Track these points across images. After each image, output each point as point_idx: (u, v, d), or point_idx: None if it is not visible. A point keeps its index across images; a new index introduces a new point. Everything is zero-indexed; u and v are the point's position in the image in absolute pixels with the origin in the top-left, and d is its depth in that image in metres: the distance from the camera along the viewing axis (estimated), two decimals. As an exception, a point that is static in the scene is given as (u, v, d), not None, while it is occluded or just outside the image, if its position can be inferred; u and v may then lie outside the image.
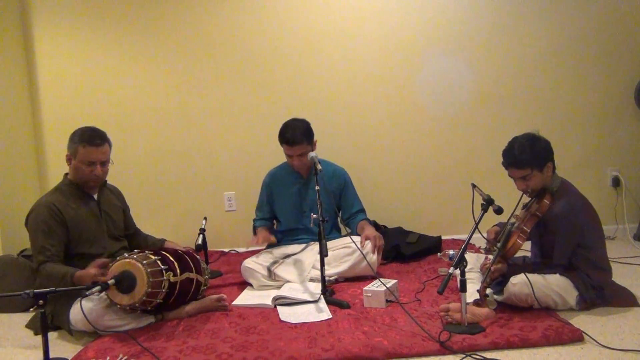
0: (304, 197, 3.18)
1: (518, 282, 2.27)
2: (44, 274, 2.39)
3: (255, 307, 2.61)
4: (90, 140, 2.50)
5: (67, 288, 2.25)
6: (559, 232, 2.35)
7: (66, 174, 2.64)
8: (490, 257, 2.44)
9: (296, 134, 3.02)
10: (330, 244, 2.97)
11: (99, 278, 2.27)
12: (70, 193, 2.57)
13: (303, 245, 3.16)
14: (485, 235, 2.47)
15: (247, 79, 3.85)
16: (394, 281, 2.63)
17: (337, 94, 3.85)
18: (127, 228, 2.87)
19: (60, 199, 2.53)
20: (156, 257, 2.39)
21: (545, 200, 2.39)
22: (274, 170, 3.32)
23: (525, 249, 2.77)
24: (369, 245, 2.92)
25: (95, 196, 2.66)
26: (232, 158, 3.90)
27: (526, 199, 2.53)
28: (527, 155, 2.37)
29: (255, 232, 3.24)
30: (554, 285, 2.30)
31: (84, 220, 2.55)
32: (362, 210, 3.25)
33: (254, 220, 3.31)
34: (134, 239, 2.88)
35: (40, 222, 2.44)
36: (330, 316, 2.41)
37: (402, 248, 3.40)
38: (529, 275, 2.28)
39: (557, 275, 2.33)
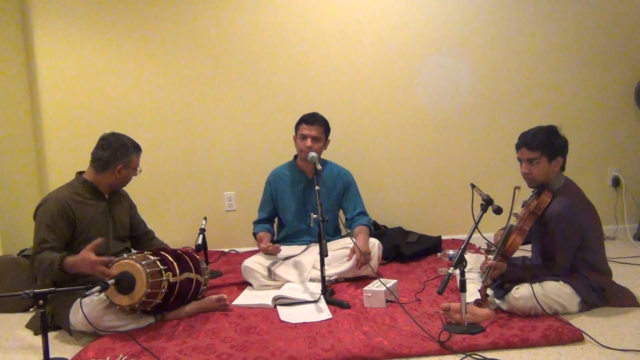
0: (308, 196, 3.17)
1: (521, 297, 2.26)
2: (37, 262, 2.39)
3: (255, 307, 2.61)
4: (139, 149, 2.72)
5: (67, 288, 2.25)
6: (558, 234, 2.33)
7: (78, 173, 2.66)
8: (491, 256, 2.44)
9: (316, 116, 3.14)
10: (330, 245, 2.97)
11: (98, 269, 2.26)
12: (83, 191, 2.59)
13: (304, 247, 3.15)
14: (485, 236, 2.45)
15: (247, 79, 3.85)
16: (394, 281, 2.63)
17: (338, 94, 3.85)
18: (135, 229, 2.86)
19: (73, 195, 2.54)
20: (155, 258, 2.39)
21: (544, 198, 2.38)
22: (278, 169, 3.31)
23: (527, 249, 2.77)
24: (371, 249, 2.92)
25: (107, 197, 2.68)
26: (232, 158, 3.90)
27: (523, 196, 2.52)
28: (541, 139, 2.38)
29: (255, 238, 3.23)
30: (554, 295, 2.28)
31: (92, 218, 2.57)
32: (364, 213, 3.22)
33: (254, 223, 3.27)
34: (143, 242, 2.86)
35: (47, 215, 2.45)
36: (330, 316, 2.41)
37: (402, 248, 3.41)
38: (530, 288, 2.25)
39: (558, 283, 2.31)
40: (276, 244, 3.05)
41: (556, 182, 2.43)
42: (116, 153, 2.59)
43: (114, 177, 2.61)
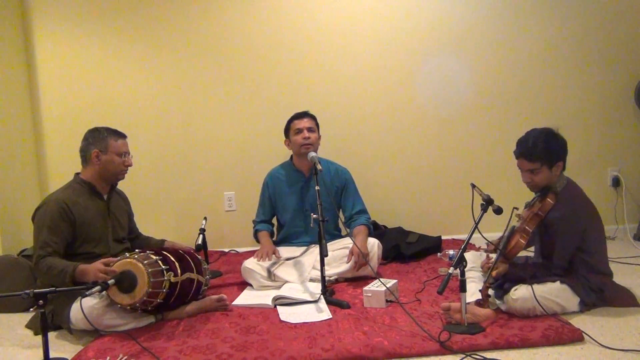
0: (306, 195, 3.18)
1: (519, 298, 2.25)
2: (43, 267, 2.38)
3: (255, 307, 2.61)
4: (118, 134, 2.67)
5: (67, 288, 2.25)
6: (558, 235, 2.33)
7: (77, 174, 2.66)
8: (492, 255, 2.44)
9: (304, 112, 3.22)
10: (330, 245, 2.97)
11: (101, 276, 2.27)
12: (82, 191, 2.60)
13: (303, 249, 3.14)
14: (486, 236, 2.44)
15: (247, 79, 3.85)
16: (394, 281, 2.63)
17: (338, 93, 3.85)
18: (130, 233, 2.89)
19: (71, 196, 2.54)
20: (157, 257, 2.39)
21: (548, 200, 2.36)
22: (275, 170, 3.32)
23: (529, 251, 2.77)
24: (371, 249, 2.93)
25: (105, 197, 2.68)
26: (232, 158, 3.90)
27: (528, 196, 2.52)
28: (540, 149, 2.33)
29: (255, 236, 3.24)
30: (553, 296, 2.27)
31: (91, 219, 2.57)
32: (364, 211, 3.22)
33: (254, 222, 3.29)
34: (135, 243, 2.89)
35: (47, 217, 2.45)
36: (330, 316, 2.41)
37: (402, 248, 3.40)
38: (529, 289, 2.24)
39: (556, 284, 2.30)
40: (273, 249, 3.05)
41: (559, 183, 2.42)
42: (89, 140, 2.62)
43: (96, 166, 2.60)
